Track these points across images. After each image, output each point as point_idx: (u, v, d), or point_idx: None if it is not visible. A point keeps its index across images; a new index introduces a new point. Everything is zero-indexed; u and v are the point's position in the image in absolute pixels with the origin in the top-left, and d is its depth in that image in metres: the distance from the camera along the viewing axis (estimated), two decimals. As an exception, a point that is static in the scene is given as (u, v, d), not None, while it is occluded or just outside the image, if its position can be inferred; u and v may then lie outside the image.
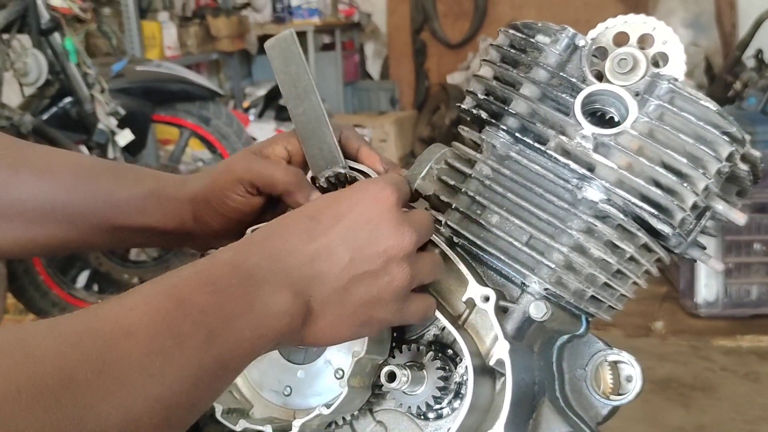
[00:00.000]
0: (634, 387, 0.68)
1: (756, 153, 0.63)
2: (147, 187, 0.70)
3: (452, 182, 0.65)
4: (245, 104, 4.77)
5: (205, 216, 0.70)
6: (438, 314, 0.62)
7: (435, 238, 0.64)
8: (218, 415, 0.65)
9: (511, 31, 0.66)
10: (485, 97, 0.65)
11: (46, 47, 1.90)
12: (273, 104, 4.93)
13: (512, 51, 0.66)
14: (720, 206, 0.62)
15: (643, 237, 0.61)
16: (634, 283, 0.65)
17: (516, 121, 0.63)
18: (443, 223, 0.64)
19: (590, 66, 0.63)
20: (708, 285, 2.35)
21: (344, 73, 5.67)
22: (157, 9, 4.06)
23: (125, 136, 2.03)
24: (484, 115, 0.64)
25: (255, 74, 5.43)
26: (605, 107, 0.62)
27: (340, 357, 0.65)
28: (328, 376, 0.65)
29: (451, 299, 0.64)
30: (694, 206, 0.61)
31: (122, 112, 2.04)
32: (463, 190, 0.64)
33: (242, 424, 0.64)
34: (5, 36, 1.86)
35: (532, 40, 0.64)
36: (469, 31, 5.75)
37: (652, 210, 0.59)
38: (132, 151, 2.13)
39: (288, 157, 0.71)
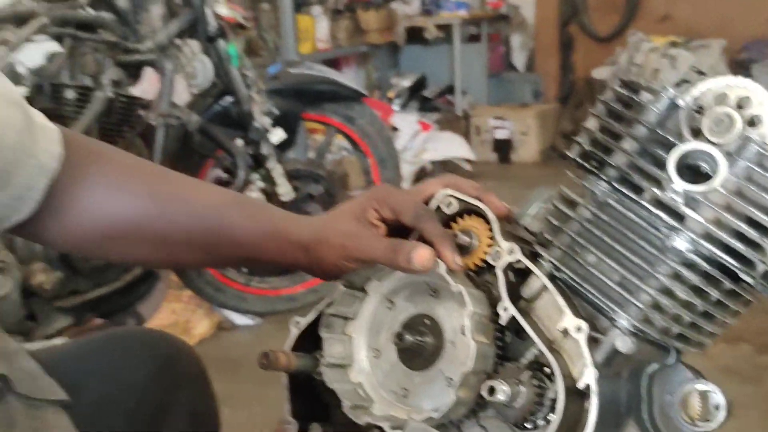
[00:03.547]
0: (721, 415, 0.74)
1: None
2: (268, 227, 0.81)
3: (556, 222, 0.73)
4: (390, 94, 4.92)
5: (318, 261, 0.80)
6: (536, 339, 0.70)
7: (537, 271, 0.72)
8: (345, 409, 0.77)
9: (618, 88, 0.74)
10: (590, 147, 0.73)
11: (212, 53, 2.11)
12: (417, 95, 5.06)
13: (617, 107, 0.73)
14: (803, 258, 0.67)
15: (728, 284, 0.67)
16: (723, 322, 0.72)
17: (616, 171, 0.70)
18: (546, 258, 0.73)
19: (689, 120, 0.69)
20: None
21: (489, 64, 5.71)
22: (311, 3, 4.26)
23: (278, 134, 2.22)
24: (587, 165, 0.72)
25: (402, 65, 5.57)
26: (698, 162, 0.68)
27: (451, 368, 0.75)
28: (440, 383, 0.76)
29: (549, 326, 0.73)
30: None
31: (276, 111, 2.22)
32: (565, 230, 0.72)
33: (365, 419, 0.76)
34: (177, 42, 2.08)
35: (635, 98, 0.71)
36: (618, 25, 5.64)
37: (736, 263, 0.65)
38: (282, 147, 2.32)
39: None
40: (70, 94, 1.94)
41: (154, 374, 0.88)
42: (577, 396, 0.70)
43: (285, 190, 2.30)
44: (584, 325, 0.68)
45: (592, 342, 0.70)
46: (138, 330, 0.93)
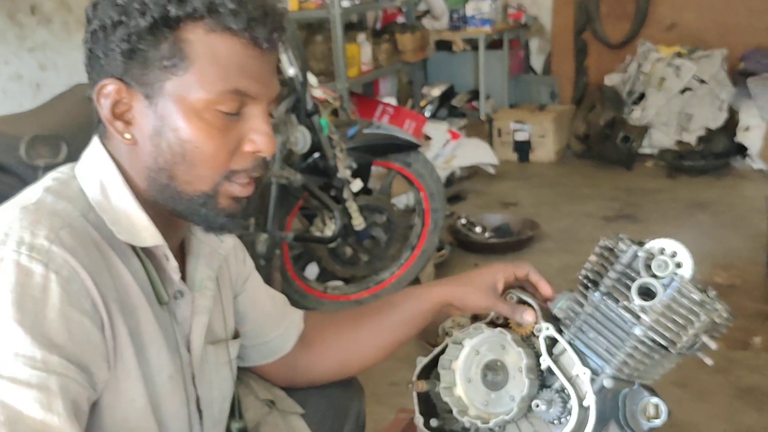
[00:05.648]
0: (664, 415, 1.34)
1: (725, 314, 1.26)
2: (428, 302, 1.44)
3: (572, 314, 1.33)
4: (422, 103, 5.49)
5: (463, 307, 1.42)
6: (562, 379, 1.31)
7: (562, 340, 1.33)
8: (454, 413, 1.38)
9: (608, 242, 1.33)
10: (591, 274, 1.33)
11: (309, 124, 2.71)
12: (446, 104, 5.63)
13: (607, 251, 1.32)
14: (704, 338, 1.27)
15: (663, 352, 1.27)
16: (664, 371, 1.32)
17: (604, 288, 1.30)
18: (567, 333, 1.33)
19: (645, 263, 1.29)
20: (802, 311, 2.86)
21: (510, 67, 6.24)
22: (356, 30, 4.81)
23: (357, 184, 2.84)
24: (589, 284, 1.32)
25: (429, 71, 6.14)
26: (649, 287, 1.28)
27: (514, 391, 1.35)
28: (507, 398, 1.36)
29: (568, 369, 1.33)
30: (692, 339, 1.26)
31: (354, 165, 2.84)
32: (577, 319, 1.32)
33: (465, 418, 1.37)
34: (284, 118, 2.69)
35: (615, 249, 1.31)
36: (628, 32, 6.14)
37: (665, 343, 1.25)
38: (357, 194, 2.94)
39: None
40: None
41: (342, 392, 1.49)
42: (583, 408, 1.31)
43: (358, 222, 2.94)
44: (588, 371, 1.29)
45: (592, 380, 1.30)
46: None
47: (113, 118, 1.04)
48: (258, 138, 1.05)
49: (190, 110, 1.01)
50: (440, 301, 1.43)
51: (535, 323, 1.36)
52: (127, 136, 1.05)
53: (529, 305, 1.38)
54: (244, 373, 1.41)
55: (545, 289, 1.41)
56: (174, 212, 1.09)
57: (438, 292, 1.43)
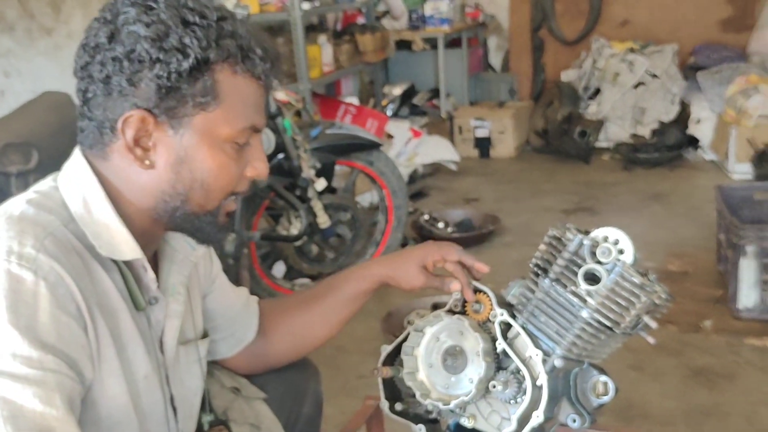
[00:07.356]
0: (612, 392, 1.44)
1: (663, 296, 1.37)
2: (367, 281, 1.54)
3: (524, 300, 1.43)
4: (384, 102, 5.58)
5: (397, 285, 1.51)
6: (516, 360, 1.40)
7: (515, 324, 1.42)
8: (417, 396, 1.47)
9: (556, 231, 1.43)
10: (541, 262, 1.42)
11: (273, 126, 2.78)
12: (407, 103, 5.73)
13: (555, 240, 1.42)
14: (646, 318, 1.37)
15: (608, 333, 1.37)
16: (611, 350, 1.42)
17: (554, 275, 1.40)
18: (520, 318, 1.42)
19: (590, 250, 1.38)
20: (748, 294, 2.99)
21: (469, 65, 6.36)
22: (317, 31, 4.88)
23: (321, 183, 2.91)
24: (539, 271, 1.42)
25: (390, 70, 6.22)
26: (594, 272, 1.38)
27: (472, 373, 1.44)
28: (466, 381, 1.45)
29: (522, 351, 1.42)
30: (635, 319, 1.36)
31: (318, 165, 2.91)
32: (529, 304, 1.42)
33: (427, 400, 1.46)
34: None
35: (562, 238, 1.41)
36: (583, 30, 6.29)
37: (610, 324, 1.35)
38: (322, 193, 3.02)
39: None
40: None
41: (299, 375, 1.58)
42: (537, 388, 1.40)
43: (323, 220, 3.02)
44: (540, 353, 1.38)
45: (544, 361, 1.40)
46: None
47: (134, 145, 1.10)
48: (258, 164, 1.18)
49: (214, 143, 1.11)
50: (377, 281, 1.53)
51: (468, 299, 1.47)
52: (147, 162, 1.11)
53: (484, 292, 1.47)
54: (209, 365, 1.49)
55: (481, 268, 1.50)
56: (175, 228, 1.19)
57: (374, 274, 1.53)
